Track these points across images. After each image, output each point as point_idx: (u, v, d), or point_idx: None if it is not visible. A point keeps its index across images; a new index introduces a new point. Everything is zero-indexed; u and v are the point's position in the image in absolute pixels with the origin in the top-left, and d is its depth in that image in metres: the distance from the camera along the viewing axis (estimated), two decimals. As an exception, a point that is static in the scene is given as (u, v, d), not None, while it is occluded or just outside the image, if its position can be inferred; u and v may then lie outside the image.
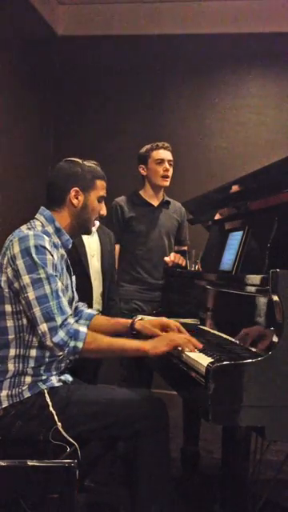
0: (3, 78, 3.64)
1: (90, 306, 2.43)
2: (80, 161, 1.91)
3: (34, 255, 1.69)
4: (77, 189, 1.86)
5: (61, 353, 1.69)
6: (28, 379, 1.73)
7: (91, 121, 4.47)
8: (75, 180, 1.86)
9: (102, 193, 1.92)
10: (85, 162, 1.91)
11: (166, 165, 2.91)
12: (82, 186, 1.87)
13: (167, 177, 2.93)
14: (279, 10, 4.21)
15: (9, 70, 3.72)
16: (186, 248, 3.07)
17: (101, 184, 1.91)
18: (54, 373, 1.79)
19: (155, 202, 2.98)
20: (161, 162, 2.91)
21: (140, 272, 2.89)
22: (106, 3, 4.44)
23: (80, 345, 1.70)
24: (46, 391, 1.72)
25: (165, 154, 2.92)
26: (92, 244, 2.57)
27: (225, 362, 1.46)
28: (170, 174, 2.94)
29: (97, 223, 2.61)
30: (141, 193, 3.00)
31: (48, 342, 1.67)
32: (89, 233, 2.03)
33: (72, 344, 1.69)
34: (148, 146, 2.96)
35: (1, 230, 3.44)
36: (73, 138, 4.44)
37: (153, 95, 4.44)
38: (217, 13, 4.31)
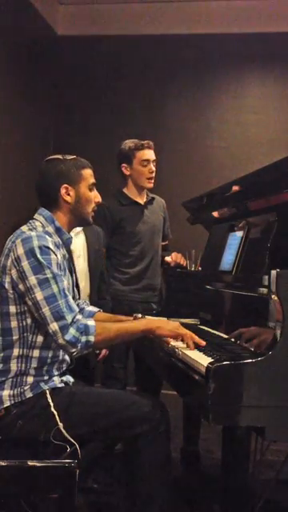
0: (3, 78, 3.64)
1: None
2: (60, 157, 1.90)
3: (38, 256, 1.69)
4: (66, 185, 1.85)
5: (74, 349, 1.69)
6: (30, 379, 1.73)
7: (91, 121, 4.47)
8: (62, 177, 1.86)
9: (92, 180, 1.91)
10: (66, 157, 1.91)
11: (152, 166, 2.82)
12: (70, 181, 1.86)
13: (153, 178, 2.85)
14: (279, 10, 4.21)
15: (9, 69, 3.72)
16: (167, 243, 3.06)
17: (87, 173, 1.90)
18: (56, 373, 1.80)
19: (142, 200, 2.91)
20: (147, 163, 2.82)
21: (134, 273, 2.84)
22: (106, 3, 4.44)
23: (92, 338, 1.70)
24: (47, 391, 1.73)
25: (150, 154, 2.83)
26: (78, 245, 2.51)
27: (225, 362, 1.46)
28: (154, 174, 2.86)
29: None
30: (125, 191, 2.91)
31: (60, 341, 1.67)
32: (89, 224, 2.02)
33: (84, 339, 1.69)
34: (131, 144, 2.84)
35: (0, 229, 3.44)
36: (73, 137, 4.43)
37: (153, 95, 4.44)
38: (217, 13, 4.31)
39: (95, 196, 1.93)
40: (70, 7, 4.52)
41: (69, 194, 1.86)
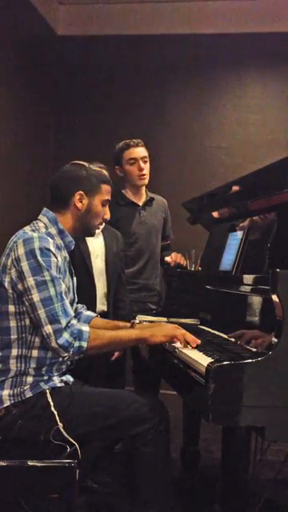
0: (3, 78, 3.64)
1: (94, 305, 2.43)
2: (86, 164, 1.92)
3: (38, 257, 1.69)
4: (81, 192, 1.86)
5: (66, 354, 1.70)
6: (30, 379, 1.74)
7: (91, 121, 4.46)
8: (80, 183, 1.86)
9: (107, 197, 1.94)
10: (91, 166, 1.92)
11: (140, 163, 2.80)
12: (87, 190, 1.87)
13: (144, 175, 2.83)
14: (279, 10, 4.20)
15: (9, 69, 3.72)
16: (169, 242, 3.06)
17: (105, 188, 1.93)
18: (56, 374, 1.80)
19: (140, 201, 2.91)
20: (134, 161, 2.81)
21: (129, 273, 2.81)
22: (105, 3, 4.44)
23: (84, 344, 1.71)
24: (47, 391, 1.73)
25: (137, 153, 2.81)
26: (96, 245, 2.54)
27: (225, 362, 1.46)
28: (146, 171, 2.84)
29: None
30: (124, 192, 2.91)
31: (53, 344, 1.68)
32: (91, 236, 2.03)
33: (77, 344, 1.70)
34: (119, 146, 2.86)
35: (1, 230, 3.44)
36: (73, 137, 4.44)
37: (153, 95, 4.43)
38: (217, 13, 4.31)
39: (105, 213, 1.95)
40: (70, 7, 4.52)
41: (81, 202, 1.86)
